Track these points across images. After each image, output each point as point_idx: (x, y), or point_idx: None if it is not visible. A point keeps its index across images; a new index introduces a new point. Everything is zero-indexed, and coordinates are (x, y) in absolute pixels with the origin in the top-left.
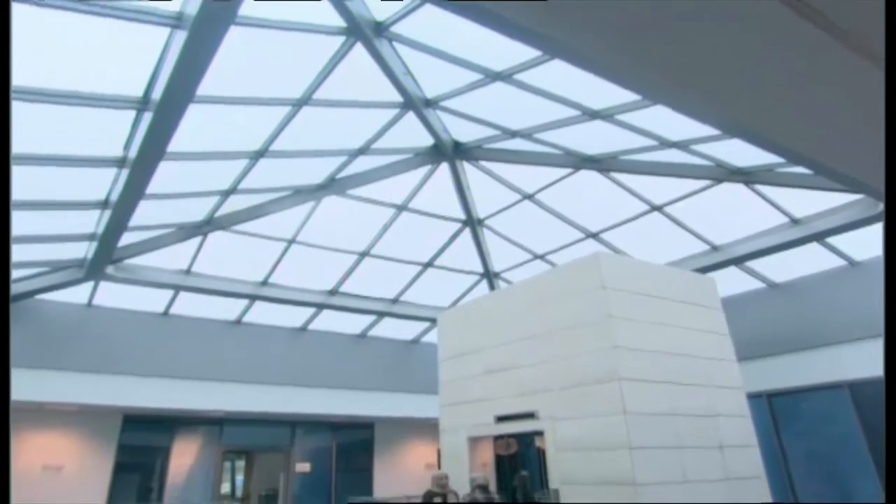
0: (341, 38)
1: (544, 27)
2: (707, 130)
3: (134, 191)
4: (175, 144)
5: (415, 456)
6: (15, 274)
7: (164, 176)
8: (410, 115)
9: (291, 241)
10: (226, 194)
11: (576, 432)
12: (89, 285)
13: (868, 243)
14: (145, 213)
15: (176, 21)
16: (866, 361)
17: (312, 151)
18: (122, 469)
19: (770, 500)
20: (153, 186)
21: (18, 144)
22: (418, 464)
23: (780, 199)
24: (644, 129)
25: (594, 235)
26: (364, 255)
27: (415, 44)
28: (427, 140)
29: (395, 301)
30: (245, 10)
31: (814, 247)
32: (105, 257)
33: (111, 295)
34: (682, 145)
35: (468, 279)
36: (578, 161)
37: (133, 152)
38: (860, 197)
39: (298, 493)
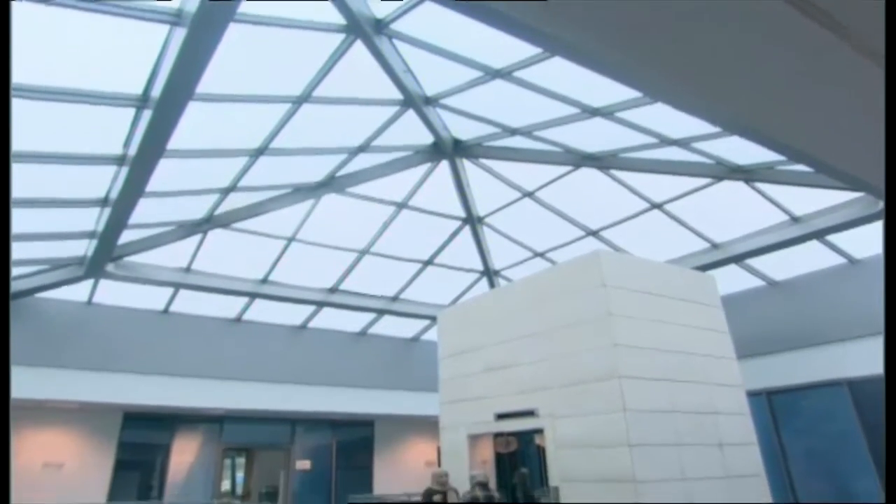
0: (341, 36)
1: (545, 25)
2: (707, 128)
3: (134, 188)
4: (175, 142)
5: (415, 453)
6: (15, 272)
7: (164, 173)
8: (410, 113)
9: (291, 239)
10: (226, 192)
11: (576, 430)
12: (89, 283)
13: (868, 241)
14: (145, 210)
15: (175, 18)
16: (866, 359)
17: (312, 149)
18: (123, 466)
19: (769, 498)
20: (153, 184)
21: (18, 142)
22: (418, 461)
23: (780, 196)
24: (644, 127)
25: (594, 233)
26: (364, 252)
27: (415, 41)
28: (427, 138)
29: (394, 299)
30: (244, 7)
31: (814, 245)
32: (105, 255)
33: (111, 293)
34: (683, 143)
35: (468, 277)
36: (578, 159)
37: (133, 150)
38: (860, 195)
39: (298, 490)
